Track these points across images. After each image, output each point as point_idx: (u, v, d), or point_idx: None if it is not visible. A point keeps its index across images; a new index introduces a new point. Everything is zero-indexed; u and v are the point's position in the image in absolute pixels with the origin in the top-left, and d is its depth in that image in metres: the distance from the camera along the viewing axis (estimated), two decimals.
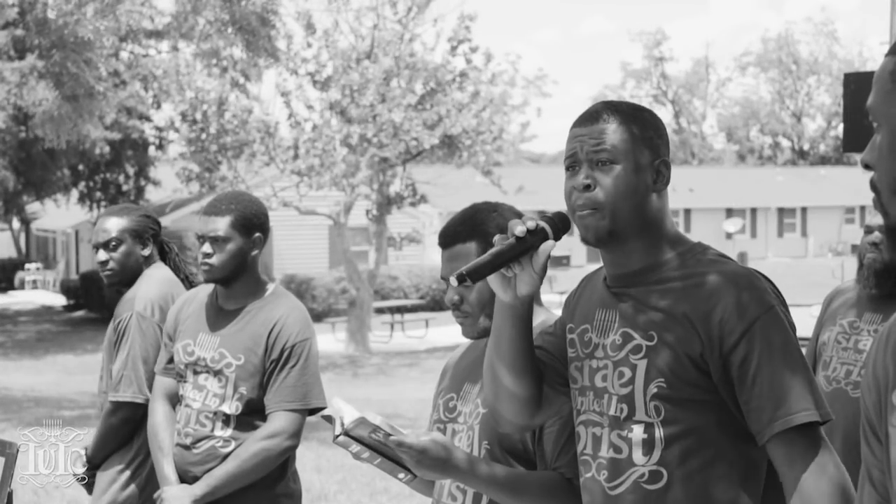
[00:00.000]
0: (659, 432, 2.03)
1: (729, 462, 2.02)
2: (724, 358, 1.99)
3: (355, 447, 2.42)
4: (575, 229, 2.20)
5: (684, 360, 2.01)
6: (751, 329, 1.98)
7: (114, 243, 3.91)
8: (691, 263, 2.10)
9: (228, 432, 3.43)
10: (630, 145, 2.09)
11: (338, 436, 2.40)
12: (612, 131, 2.10)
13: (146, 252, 3.98)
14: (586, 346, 2.18)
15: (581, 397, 2.18)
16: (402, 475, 2.50)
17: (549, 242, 2.10)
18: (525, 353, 2.18)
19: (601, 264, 2.26)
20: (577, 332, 2.22)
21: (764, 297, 2.01)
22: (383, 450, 2.42)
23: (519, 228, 2.04)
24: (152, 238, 4.01)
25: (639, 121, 2.13)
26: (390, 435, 2.35)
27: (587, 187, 2.08)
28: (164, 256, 4.09)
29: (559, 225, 2.12)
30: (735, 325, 1.98)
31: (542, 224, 2.09)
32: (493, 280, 2.10)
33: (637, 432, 2.05)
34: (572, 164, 2.13)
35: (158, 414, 3.60)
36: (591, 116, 2.13)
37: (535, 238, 2.08)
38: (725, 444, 2.03)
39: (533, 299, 2.15)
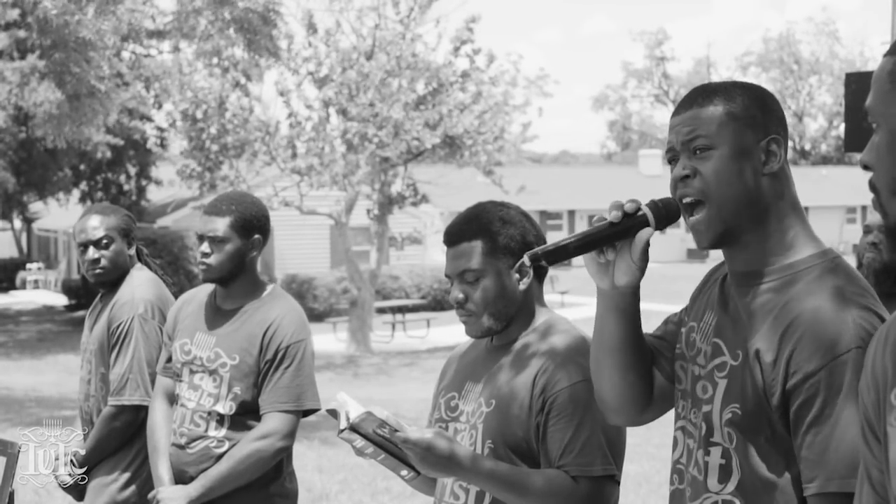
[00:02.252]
0: (735, 460, 1.86)
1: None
2: (785, 397, 1.80)
3: (359, 442, 2.40)
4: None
5: (758, 389, 1.83)
6: (816, 374, 1.76)
7: (105, 241, 3.88)
8: (797, 277, 1.86)
9: (222, 432, 3.42)
10: (728, 127, 1.90)
11: (342, 430, 2.39)
12: (707, 114, 1.91)
13: (132, 251, 3.97)
14: (691, 347, 2.02)
15: (682, 401, 2.03)
16: (404, 472, 2.49)
17: (648, 230, 1.94)
18: (630, 347, 2.05)
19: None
20: (686, 327, 2.06)
21: (843, 338, 1.75)
22: (387, 446, 2.41)
23: (614, 213, 1.91)
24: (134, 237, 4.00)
25: (737, 98, 1.92)
26: (396, 430, 2.35)
27: (685, 177, 1.90)
28: (138, 257, 4.07)
29: (663, 212, 1.95)
30: (800, 365, 1.77)
31: (644, 209, 1.94)
32: (589, 266, 1.98)
33: (715, 456, 1.89)
34: (672, 157, 1.96)
35: (157, 414, 3.60)
36: (684, 103, 1.96)
37: (632, 223, 1.93)
38: (797, 488, 1.82)
39: (636, 291, 2.01)
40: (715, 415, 1.89)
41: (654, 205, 1.95)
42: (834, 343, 1.76)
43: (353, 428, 2.37)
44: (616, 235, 1.93)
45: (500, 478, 2.37)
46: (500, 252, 2.52)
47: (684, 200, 1.92)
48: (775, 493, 1.83)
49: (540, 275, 2.62)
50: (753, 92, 1.95)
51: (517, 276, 2.55)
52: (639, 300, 2.04)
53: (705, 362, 1.96)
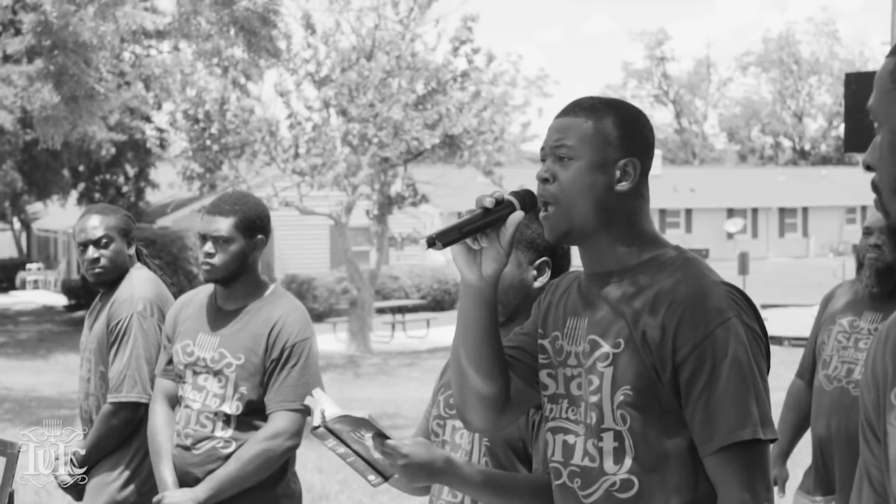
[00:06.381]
0: (628, 440, 2.02)
1: (693, 473, 2.01)
2: (675, 370, 1.98)
3: (332, 441, 2.41)
4: None
5: (648, 369, 2.00)
6: (702, 343, 1.96)
7: (104, 241, 3.89)
8: (660, 269, 2.06)
9: (229, 433, 3.42)
10: (591, 142, 2.07)
11: (316, 427, 2.39)
12: (577, 126, 2.09)
13: (131, 251, 3.97)
14: (559, 353, 2.15)
15: (551, 404, 2.16)
16: (372, 477, 2.49)
17: (518, 213, 2.09)
18: (491, 344, 2.15)
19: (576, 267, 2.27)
20: (548, 339, 2.19)
21: (720, 310, 1.98)
22: (359, 449, 2.42)
23: (488, 199, 2.05)
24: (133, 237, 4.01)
25: (612, 117, 2.10)
26: (377, 434, 2.35)
27: (545, 181, 2.09)
28: (138, 257, 4.07)
29: (526, 199, 2.12)
30: (686, 338, 1.97)
31: (509, 197, 2.10)
32: (458, 257, 2.10)
33: (608, 441, 2.04)
34: (543, 156, 2.15)
35: (158, 416, 3.59)
36: (565, 110, 2.13)
37: (502, 210, 2.08)
38: (689, 455, 2.01)
39: (498, 282, 2.14)
40: (605, 402, 2.04)
41: (517, 193, 2.12)
42: (715, 313, 1.98)
43: (327, 427, 2.38)
44: (492, 223, 2.08)
45: (482, 483, 2.37)
46: (525, 244, 2.56)
47: (539, 195, 2.11)
48: (670, 464, 2.00)
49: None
50: (627, 114, 2.13)
51: (535, 272, 2.58)
52: (497, 292, 2.16)
53: (579, 361, 2.10)
